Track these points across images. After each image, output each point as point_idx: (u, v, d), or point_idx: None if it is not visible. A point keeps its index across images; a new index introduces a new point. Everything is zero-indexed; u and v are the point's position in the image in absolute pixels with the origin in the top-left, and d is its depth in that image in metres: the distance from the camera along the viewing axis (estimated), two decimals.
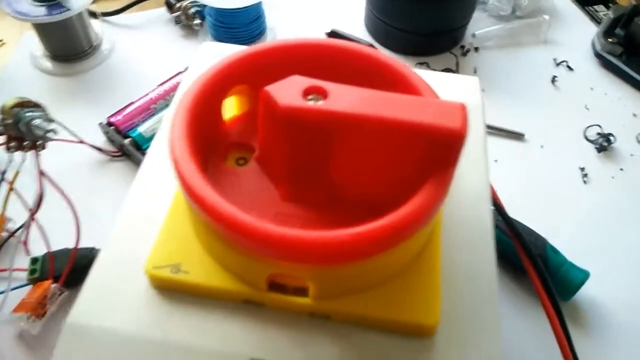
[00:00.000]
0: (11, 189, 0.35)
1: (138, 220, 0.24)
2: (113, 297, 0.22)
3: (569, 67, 0.58)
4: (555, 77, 0.56)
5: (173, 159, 0.20)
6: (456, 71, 0.56)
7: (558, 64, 0.58)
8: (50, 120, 0.35)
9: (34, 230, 0.38)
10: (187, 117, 0.21)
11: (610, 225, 0.44)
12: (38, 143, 0.36)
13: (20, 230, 0.40)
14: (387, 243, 0.18)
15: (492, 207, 0.26)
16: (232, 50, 0.25)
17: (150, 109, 0.48)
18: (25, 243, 0.39)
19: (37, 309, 0.35)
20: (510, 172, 0.48)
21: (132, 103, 0.48)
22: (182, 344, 0.21)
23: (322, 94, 0.20)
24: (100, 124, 0.48)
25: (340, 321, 0.21)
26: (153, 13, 0.62)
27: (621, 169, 0.48)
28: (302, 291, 0.21)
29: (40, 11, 0.50)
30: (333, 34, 0.58)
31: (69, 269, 0.36)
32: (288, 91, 0.20)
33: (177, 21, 0.60)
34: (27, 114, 0.34)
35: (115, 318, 0.21)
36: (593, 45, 0.59)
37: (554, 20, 0.62)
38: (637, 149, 0.50)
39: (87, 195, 0.43)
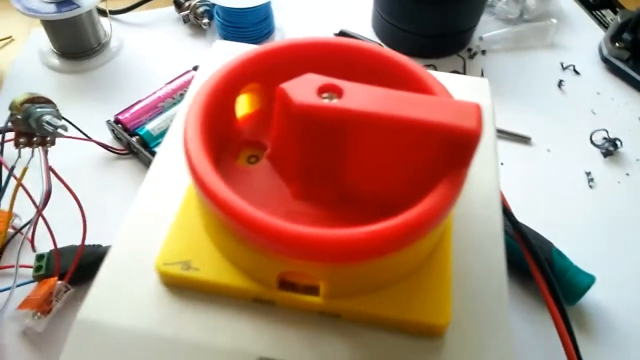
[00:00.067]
0: (19, 185, 0.35)
1: (149, 217, 0.24)
2: (123, 294, 0.22)
3: (575, 71, 0.58)
4: (562, 81, 0.56)
5: (187, 155, 0.20)
6: (463, 74, 0.56)
7: (565, 68, 0.58)
8: (61, 117, 0.35)
9: (40, 226, 0.38)
10: (201, 114, 0.21)
11: (616, 230, 0.44)
12: (47, 139, 0.35)
13: (26, 227, 0.40)
14: (402, 242, 0.18)
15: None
16: (243, 49, 0.25)
17: (157, 107, 0.48)
18: (31, 240, 0.39)
19: (43, 306, 0.35)
20: (516, 175, 0.48)
21: (139, 101, 0.48)
22: (192, 342, 0.21)
23: (337, 92, 0.20)
24: (108, 121, 0.48)
25: (350, 320, 0.21)
26: (161, 12, 0.62)
27: (627, 174, 0.48)
28: (312, 290, 0.21)
29: (50, 8, 0.51)
30: (342, 35, 0.58)
31: (75, 266, 0.36)
32: (303, 89, 0.20)
33: (186, 20, 0.60)
34: (38, 110, 0.34)
35: (126, 314, 0.21)
36: (600, 49, 0.59)
37: (562, 24, 0.62)
38: None
39: (94, 193, 0.43)
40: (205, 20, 0.59)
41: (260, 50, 0.24)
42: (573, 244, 0.41)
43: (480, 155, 0.23)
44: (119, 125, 0.47)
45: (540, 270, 0.32)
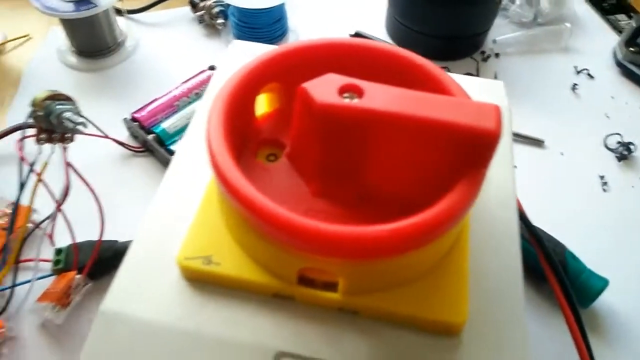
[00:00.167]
0: (39, 180, 0.36)
1: (170, 212, 0.25)
2: (145, 287, 0.22)
3: (589, 75, 0.58)
4: (575, 84, 0.56)
5: (210, 153, 0.21)
6: (476, 76, 0.56)
7: (579, 72, 0.58)
8: (80, 114, 0.36)
9: (58, 221, 0.39)
10: (223, 113, 0.22)
11: (630, 234, 0.44)
12: (67, 136, 0.36)
13: (46, 222, 0.41)
14: (421, 240, 0.18)
15: None
16: (260, 49, 0.25)
17: (173, 106, 0.49)
18: (50, 234, 0.39)
19: (62, 299, 0.35)
20: (529, 178, 0.48)
21: (155, 99, 0.49)
22: (213, 336, 0.21)
23: (357, 91, 0.20)
24: (124, 119, 0.48)
25: (368, 317, 0.21)
26: (177, 11, 0.63)
27: None
28: (331, 286, 0.21)
29: (68, 7, 0.51)
30: (358, 36, 0.59)
31: (93, 261, 0.37)
32: (325, 88, 0.20)
33: (201, 20, 0.61)
34: (58, 107, 0.35)
35: (147, 307, 0.22)
36: (614, 54, 0.59)
37: (575, 28, 0.62)
38: None
39: (110, 189, 0.43)
40: (220, 21, 0.60)
41: (281, 50, 0.25)
42: (586, 247, 0.41)
43: (497, 156, 0.24)
44: (136, 123, 0.48)
45: (554, 273, 0.32)
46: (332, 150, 0.21)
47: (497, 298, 0.22)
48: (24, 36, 0.60)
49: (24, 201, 0.37)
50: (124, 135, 0.49)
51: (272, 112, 0.27)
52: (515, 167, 0.48)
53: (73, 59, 0.57)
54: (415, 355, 0.21)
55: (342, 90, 0.20)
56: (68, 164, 0.36)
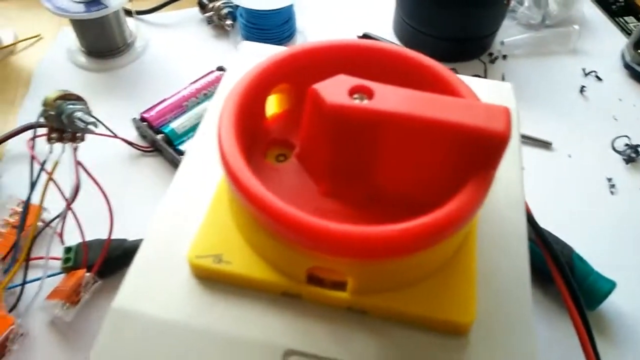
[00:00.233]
0: (50, 179, 0.36)
1: (180, 211, 0.25)
2: (156, 285, 0.22)
3: (597, 77, 0.58)
4: (583, 87, 0.56)
5: (221, 152, 0.21)
6: (484, 78, 0.56)
7: (587, 74, 0.58)
8: (91, 114, 0.36)
9: (67, 220, 0.39)
10: (234, 113, 0.22)
11: (637, 236, 0.44)
12: (77, 135, 0.36)
13: (55, 220, 0.41)
14: (431, 240, 0.19)
15: None
16: (269, 50, 0.25)
17: (182, 107, 0.49)
18: (60, 233, 0.40)
19: (71, 297, 0.36)
20: (537, 180, 0.48)
21: (164, 100, 0.49)
22: (223, 333, 0.21)
23: (367, 93, 0.21)
24: (133, 119, 0.49)
25: (376, 316, 0.22)
26: (186, 13, 0.63)
27: None
28: (340, 285, 0.21)
29: (78, 7, 0.52)
30: (366, 38, 0.59)
31: (102, 259, 0.37)
32: (335, 89, 0.20)
33: (209, 21, 0.61)
34: (70, 107, 0.35)
35: (158, 305, 0.22)
36: (623, 56, 0.59)
37: (584, 30, 0.62)
38: None
39: (119, 189, 0.44)
40: (229, 22, 0.60)
41: (291, 51, 0.25)
42: (594, 250, 0.41)
43: (506, 157, 0.24)
44: (145, 123, 0.48)
45: (561, 276, 0.32)
46: (342, 150, 0.22)
47: (505, 298, 0.22)
48: (35, 36, 0.61)
49: (35, 200, 0.37)
50: (132, 135, 0.49)
51: (282, 112, 0.27)
52: (523, 169, 0.48)
53: (83, 59, 0.57)
54: (423, 354, 0.21)
55: (353, 91, 0.21)
56: (78, 163, 0.37)
